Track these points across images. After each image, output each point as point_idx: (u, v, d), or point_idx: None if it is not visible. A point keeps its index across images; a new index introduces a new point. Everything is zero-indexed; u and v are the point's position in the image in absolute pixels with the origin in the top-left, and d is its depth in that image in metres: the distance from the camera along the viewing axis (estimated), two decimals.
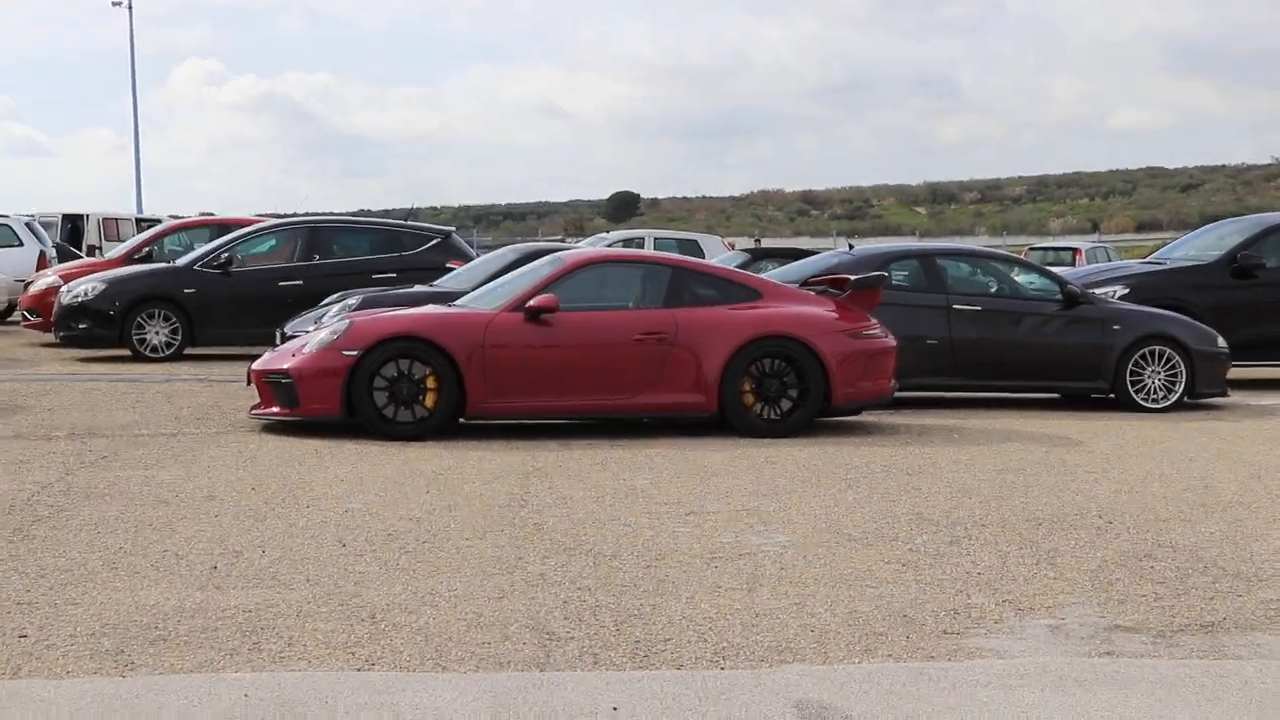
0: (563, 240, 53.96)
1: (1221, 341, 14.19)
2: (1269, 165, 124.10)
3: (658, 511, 8.25)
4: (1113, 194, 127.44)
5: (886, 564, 6.98)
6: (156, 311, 17.78)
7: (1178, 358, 13.94)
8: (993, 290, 14.48)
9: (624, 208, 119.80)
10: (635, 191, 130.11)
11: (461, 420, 11.32)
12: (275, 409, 11.36)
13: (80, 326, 17.84)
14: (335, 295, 16.15)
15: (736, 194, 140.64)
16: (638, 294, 11.90)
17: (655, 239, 29.94)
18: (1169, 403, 13.88)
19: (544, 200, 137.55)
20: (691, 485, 9.17)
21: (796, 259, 16.97)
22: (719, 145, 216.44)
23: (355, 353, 11.03)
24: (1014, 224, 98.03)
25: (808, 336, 11.48)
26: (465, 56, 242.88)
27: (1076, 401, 14.41)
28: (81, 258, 26.87)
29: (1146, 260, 18.39)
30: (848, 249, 14.86)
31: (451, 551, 7.11)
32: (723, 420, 11.50)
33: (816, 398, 11.49)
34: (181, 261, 18.90)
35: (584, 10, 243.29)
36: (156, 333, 17.74)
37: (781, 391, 11.50)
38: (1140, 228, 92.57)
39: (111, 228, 34.40)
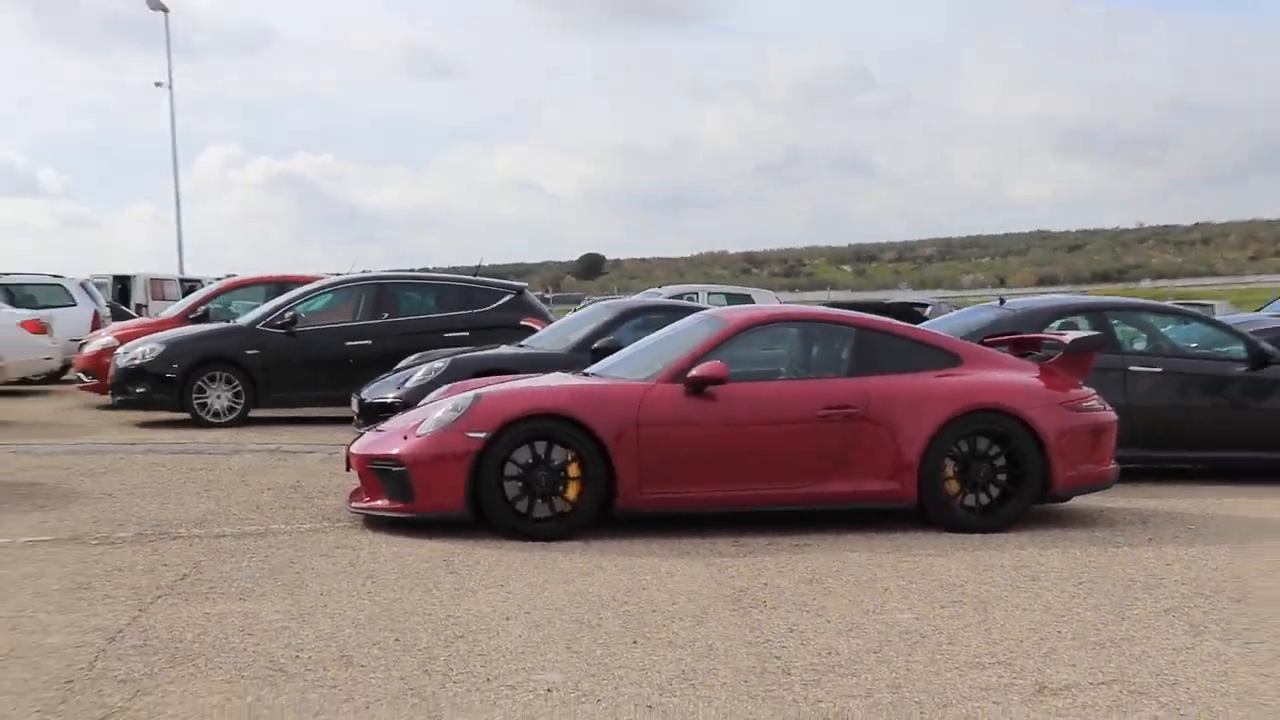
0: (545, 295, 51.11)
1: None
2: (1138, 230, 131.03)
3: (982, 682, 5.10)
4: (1010, 254, 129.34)
5: None
6: (218, 374, 14.64)
7: None
8: (1173, 350, 11.35)
9: (592, 268, 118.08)
10: (601, 253, 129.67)
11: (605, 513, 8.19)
12: (383, 503, 8.21)
13: (138, 390, 14.61)
14: (414, 356, 13.11)
15: (688, 255, 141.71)
16: (814, 359, 8.76)
17: (709, 294, 26.75)
18: None
19: (521, 261, 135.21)
20: (972, 622, 6.02)
21: (906, 317, 13.71)
22: (670, 213, 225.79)
23: (483, 435, 7.89)
24: (930, 280, 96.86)
25: (1023, 409, 8.36)
26: (449, 138, 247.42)
27: (1232, 473, 11.29)
28: (134, 317, 23.72)
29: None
30: (999, 303, 11.72)
31: None
32: (920, 510, 8.43)
33: (1033, 483, 8.39)
34: (243, 321, 15.68)
35: (550, 98, 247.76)
36: (218, 396, 14.57)
37: (991, 476, 8.41)
38: (1040, 282, 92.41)
39: (158, 288, 31.20)
